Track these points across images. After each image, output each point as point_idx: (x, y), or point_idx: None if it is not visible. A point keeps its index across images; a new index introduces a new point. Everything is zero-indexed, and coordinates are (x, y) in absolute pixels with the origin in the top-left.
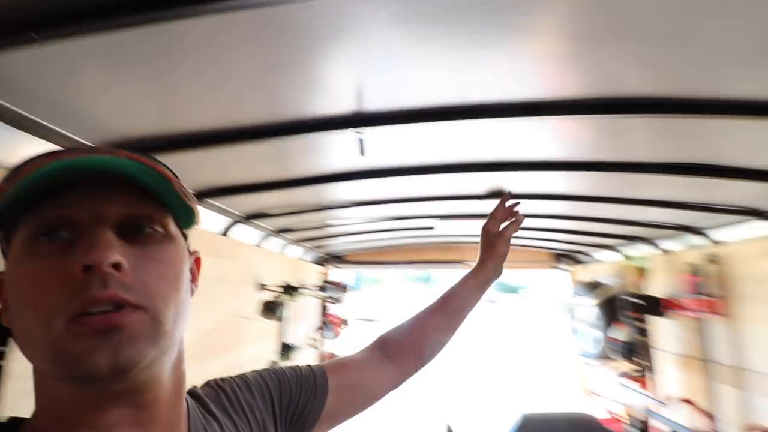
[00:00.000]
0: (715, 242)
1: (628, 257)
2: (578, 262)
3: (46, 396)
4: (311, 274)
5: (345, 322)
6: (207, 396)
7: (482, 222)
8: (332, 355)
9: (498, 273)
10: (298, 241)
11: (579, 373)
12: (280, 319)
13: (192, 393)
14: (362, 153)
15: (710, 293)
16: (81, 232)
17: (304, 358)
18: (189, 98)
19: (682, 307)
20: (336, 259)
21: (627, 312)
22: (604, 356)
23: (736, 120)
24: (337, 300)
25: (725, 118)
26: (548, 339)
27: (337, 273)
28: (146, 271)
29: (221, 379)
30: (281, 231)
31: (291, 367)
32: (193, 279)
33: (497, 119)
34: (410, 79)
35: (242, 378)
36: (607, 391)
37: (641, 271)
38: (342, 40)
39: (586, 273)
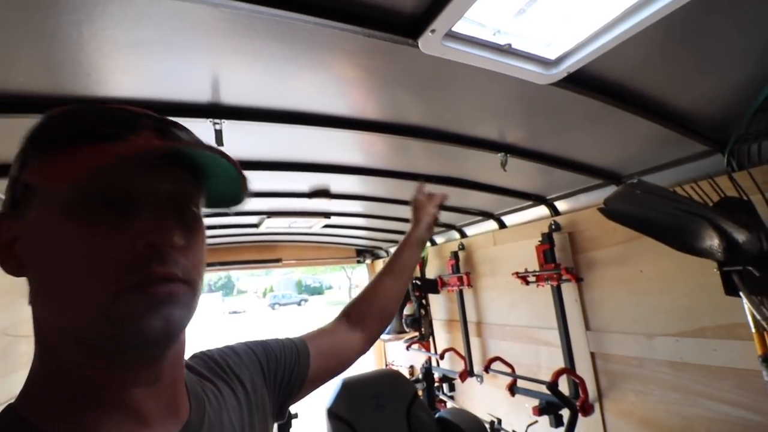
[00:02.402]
0: (465, 235)
1: None
2: (375, 256)
3: (57, 361)
4: None
5: None
6: (196, 364)
7: (307, 219)
8: None
9: (430, 232)
10: None
11: (378, 348)
12: None
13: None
14: (220, 144)
15: (463, 272)
16: (140, 206)
17: None
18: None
19: (447, 284)
20: None
21: (414, 293)
22: (396, 331)
23: (476, 150)
24: None
25: (470, 148)
26: None
27: None
28: (190, 249)
29: (207, 350)
30: None
31: (273, 339)
32: None
33: (315, 127)
34: (243, 80)
35: (229, 347)
36: (400, 358)
37: (422, 260)
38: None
39: (382, 264)
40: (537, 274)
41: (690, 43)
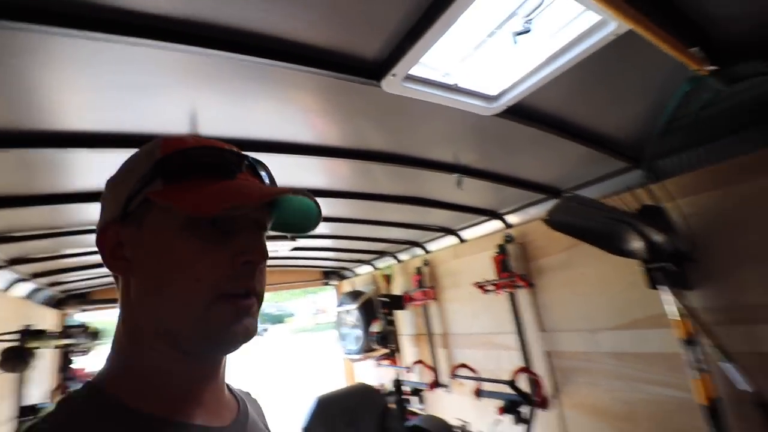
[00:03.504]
0: (428, 251)
1: (377, 268)
2: (342, 276)
3: (142, 353)
4: (44, 319)
5: None
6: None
7: (274, 243)
8: None
9: None
10: (28, 278)
11: (347, 369)
12: (24, 370)
13: None
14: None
15: (427, 286)
16: (238, 228)
17: None
18: None
19: (413, 299)
20: (77, 298)
21: (380, 310)
22: (365, 350)
23: (434, 172)
24: (85, 350)
25: (429, 170)
26: (318, 353)
27: (81, 316)
28: (263, 269)
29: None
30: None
31: None
32: None
33: (283, 154)
34: (217, 114)
35: None
36: (369, 377)
37: (387, 278)
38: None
39: (348, 285)
40: (495, 282)
41: (604, 82)
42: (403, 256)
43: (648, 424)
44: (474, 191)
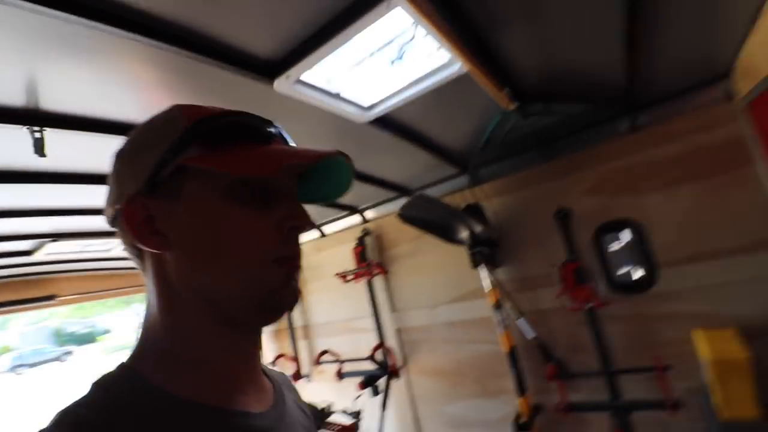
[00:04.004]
0: None
1: None
2: None
3: (183, 328)
4: None
5: None
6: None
7: (105, 240)
8: None
9: None
10: None
11: None
12: None
13: None
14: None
15: None
16: (278, 196)
17: None
18: None
19: None
20: None
21: None
22: None
23: None
24: None
25: None
26: None
27: None
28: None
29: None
30: None
31: None
32: None
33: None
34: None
35: None
36: None
37: None
38: None
39: None
40: (355, 272)
41: (448, 106)
42: None
43: (472, 374)
44: None
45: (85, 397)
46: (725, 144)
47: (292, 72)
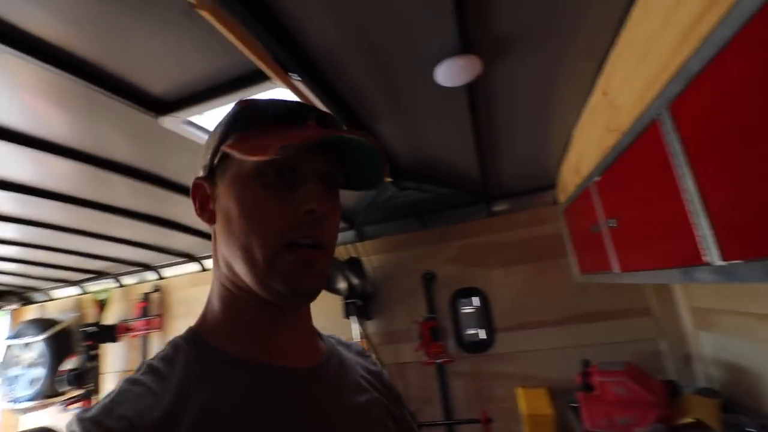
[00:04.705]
0: (162, 277)
1: (88, 291)
2: (27, 300)
3: (230, 302)
4: None
5: None
6: (358, 354)
7: None
8: None
9: None
10: None
11: (5, 425)
12: None
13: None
14: None
15: (153, 314)
16: (301, 178)
17: None
18: None
19: (132, 329)
20: None
21: (81, 343)
22: (46, 395)
23: (185, 197)
24: None
25: (181, 195)
26: None
27: None
28: (332, 221)
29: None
30: None
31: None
32: None
33: None
34: None
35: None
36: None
37: (101, 303)
38: None
39: (37, 311)
40: None
41: None
42: (128, 280)
43: None
44: None
45: (160, 351)
46: (550, 237)
47: (181, 114)
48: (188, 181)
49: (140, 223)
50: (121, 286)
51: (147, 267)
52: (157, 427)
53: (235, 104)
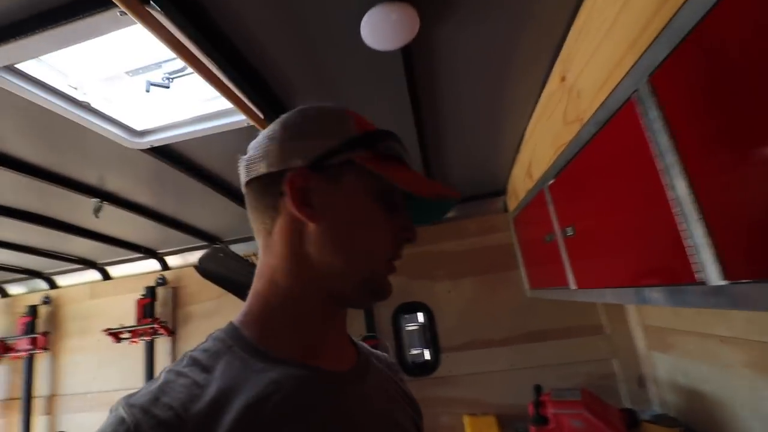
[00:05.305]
0: (56, 286)
1: None
2: None
3: (289, 298)
4: None
5: None
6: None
7: None
8: None
9: None
10: None
11: None
12: None
13: None
14: None
15: (39, 332)
16: (398, 209)
17: None
18: None
19: (12, 349)
20: None
21: None
22: None
23: (74, 192)
24: None
25: (68, 190)
26: None
27: None
28: None
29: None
30: None
31: None
32: None
33: None
34: None
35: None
36: None
37: None
38: None
39: None
40: (132, 329)
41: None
42: (15, 289)
43: None
44: (129, 224)
45: (201, 343)
46: (500, 247)
47: None
48: (74, 172)
49: (28, 224)
50: (4, 296)
51: (36, 274)
52: (201, 419)
53: (346, 114)
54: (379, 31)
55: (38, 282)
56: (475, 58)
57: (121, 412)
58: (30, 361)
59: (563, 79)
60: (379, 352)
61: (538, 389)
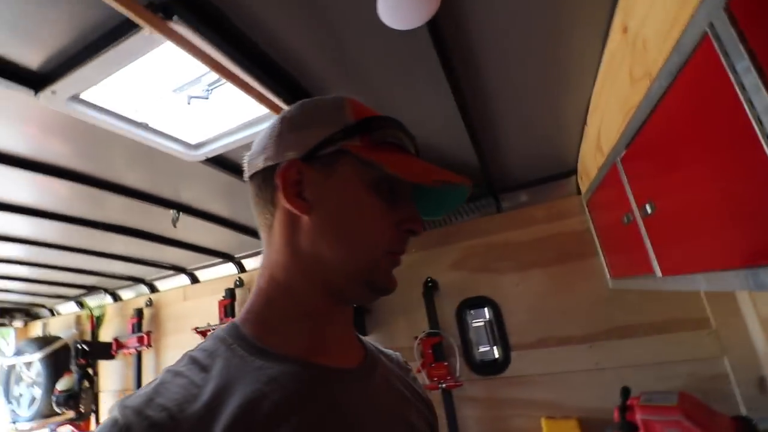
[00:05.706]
0: (156, 290)
1: (85, 306)
2: (34, 316)
3: (289, 295)
4: None
5: None
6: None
7: None
8: None
9: None
10: None
11: None
12: None
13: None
14: None
15: (144, 331)
16: (401, 196)
17: None
18: None
19: (125, 346)
20: None
21: (76, 361)
22: (43, 415)
23: (162, 209)
24: None
25: (152, 204)
26: None
27: None
28: None
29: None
30: None
31: None
32: None
33: None
34: None
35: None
36: None
37: (96, 320)
38: None
39: (37, 327)
40: (215, 327)
41: None
42: (126, 294)
43: None
44: (210, 232)
45: (201, 343)
46: (574, 234)
47: (60, 87)
48: (161, 191)
49: (131, 239)
50: (117, 300)
51: (140, 281)
52: (196, 419)
53: (343, 102)
54: (398, 8)
55: (142, 287)
56: (520, 13)
57: (116, 413)
58: (139, 357)
59: (625, 30)
60: (390, 351)
61: (625, 392)
